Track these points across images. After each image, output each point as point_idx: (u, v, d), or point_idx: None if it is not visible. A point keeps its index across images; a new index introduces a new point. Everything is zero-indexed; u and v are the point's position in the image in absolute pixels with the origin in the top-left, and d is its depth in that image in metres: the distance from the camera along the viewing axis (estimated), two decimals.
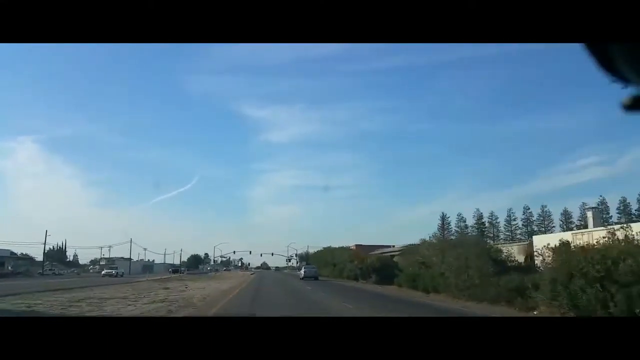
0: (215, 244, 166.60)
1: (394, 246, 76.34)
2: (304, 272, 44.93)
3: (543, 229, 79.16)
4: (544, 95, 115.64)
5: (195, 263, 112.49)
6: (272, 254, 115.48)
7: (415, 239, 35.62)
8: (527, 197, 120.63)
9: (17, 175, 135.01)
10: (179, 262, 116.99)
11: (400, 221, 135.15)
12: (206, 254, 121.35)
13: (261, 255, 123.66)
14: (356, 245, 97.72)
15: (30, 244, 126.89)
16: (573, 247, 14.89)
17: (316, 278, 42.42)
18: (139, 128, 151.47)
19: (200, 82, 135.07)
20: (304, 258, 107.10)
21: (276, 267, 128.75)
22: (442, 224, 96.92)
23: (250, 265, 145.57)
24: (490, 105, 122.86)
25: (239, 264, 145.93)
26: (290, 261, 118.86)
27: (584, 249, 13.27)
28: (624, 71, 1.36)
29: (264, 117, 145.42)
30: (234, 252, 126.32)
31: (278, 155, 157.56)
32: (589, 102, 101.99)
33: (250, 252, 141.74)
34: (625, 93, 1.38)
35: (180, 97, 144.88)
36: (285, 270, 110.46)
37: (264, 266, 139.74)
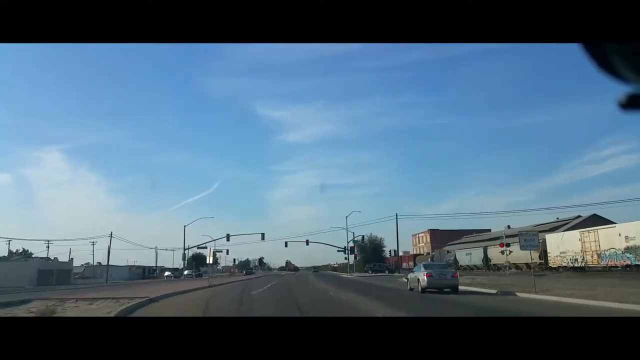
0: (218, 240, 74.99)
1: (490, 230, 65.18)
2: (429, 277, 19.24)
3: None
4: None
5: (197, 265, 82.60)
6: (307, 243, 69.76)
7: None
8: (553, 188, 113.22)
9: (44, 184, 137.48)
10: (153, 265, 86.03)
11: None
12: (214, 254, 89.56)
13: (286, 245, 68.71)
14: (429, 230, 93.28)
15: None
16: None
17: (455, 289, 19.55)
18: (162, 133, 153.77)
19: (219, 83, 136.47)
20: (366, 249, 71.30)
21: (314, 268, 77.89)
22: None
23: (270, 266, 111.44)
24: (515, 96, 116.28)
25: (252, 266, 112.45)
26: (351, 254, 66.37)
27: None
28: (621, 71, 1.36)
29: (283, 116, 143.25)
30: (227, 235, 64.28)
31: (298, 155, 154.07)
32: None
33: (263, 236, 69.71)
34: (622, 91, 1.37)
35: (201, 100, 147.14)
36: (346, 276, 53.27)
37: (290, 267, 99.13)
